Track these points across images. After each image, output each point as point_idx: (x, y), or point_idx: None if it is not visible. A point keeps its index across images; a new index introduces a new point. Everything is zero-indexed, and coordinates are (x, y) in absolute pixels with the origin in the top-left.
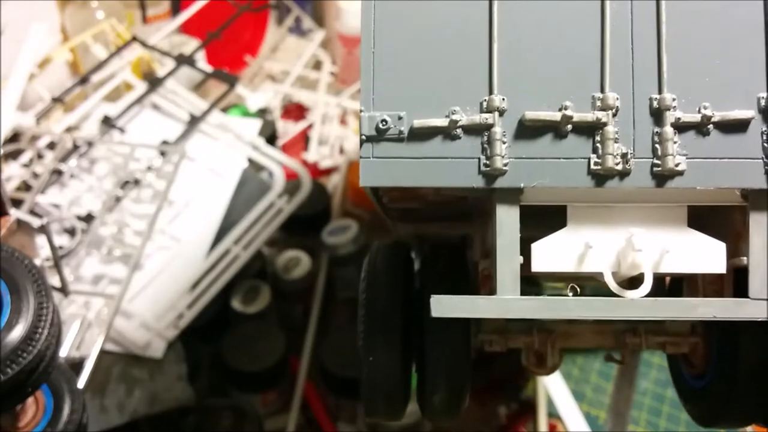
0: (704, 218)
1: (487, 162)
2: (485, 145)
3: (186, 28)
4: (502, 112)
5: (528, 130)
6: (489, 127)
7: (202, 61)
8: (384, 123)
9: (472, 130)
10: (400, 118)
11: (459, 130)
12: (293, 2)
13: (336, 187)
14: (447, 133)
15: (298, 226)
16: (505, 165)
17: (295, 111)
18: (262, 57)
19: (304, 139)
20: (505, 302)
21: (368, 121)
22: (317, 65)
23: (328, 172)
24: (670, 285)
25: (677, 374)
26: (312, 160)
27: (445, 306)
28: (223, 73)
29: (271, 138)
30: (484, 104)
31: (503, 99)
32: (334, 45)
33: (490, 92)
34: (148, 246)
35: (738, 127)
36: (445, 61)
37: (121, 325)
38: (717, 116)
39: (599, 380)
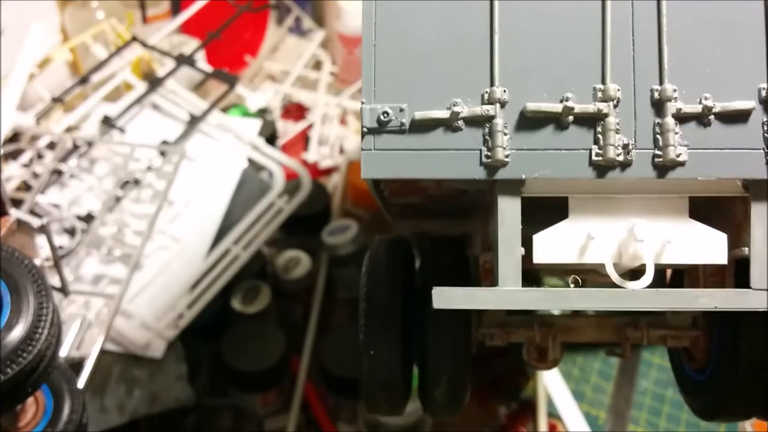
0: (705, 210)
1: (489, 153)
2: (487, 137)
3: (186, 28)
4: (503, 104)
5: (529, 122)
6: (490, 118)
7: (202, 61)
8: (385, 115)
9: (474, 121)
10: (401, 110)
11: (460, 122)
12: (293, 2)
13: (336, 187)
14: (448, 124)
15: (298, 226)
16: (507, 156)
17: (295, 111)
18: (262, 57)
19: (304, 139)
20: (507, 293)
21: (370, 114)
22: (317, 65)
23: (328, 172)
24: (671, 279)
25: (678, 368)
26: (312, 160)
27: (446, 297)
28: (223, 73)
29: (271, 138)
30: (486, 96)
31: (504, 91)
32: (334, 45)
33: (492, 84)
34: (148, 246)
35: (739, 117)
36: (446, 53)
37: (121, 325)
38: (718, 107)
39: (599, 380)
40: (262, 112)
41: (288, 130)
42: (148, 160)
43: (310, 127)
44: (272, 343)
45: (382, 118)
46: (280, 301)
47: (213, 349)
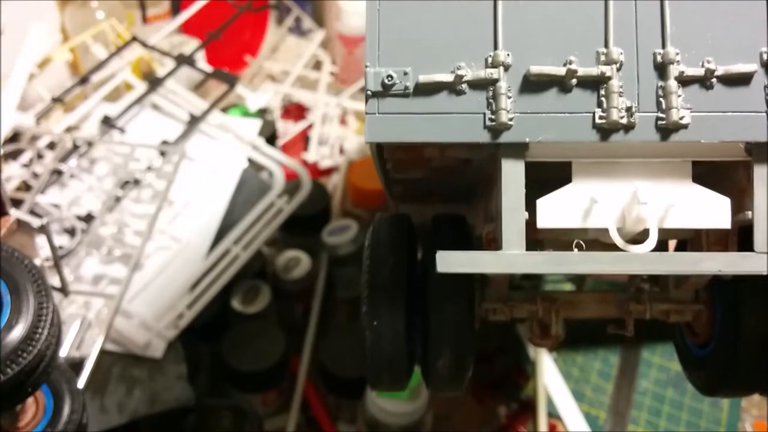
0: (708, 178)
1: (493, 117)
2: (490, 100)
3: (186, 28)
4: (507, 68)
5: (533, 85)
6: (494, 82)
7: (202, 61)
8: (389, 78)
9: (478, 85)
10: (405, 73)
11: (464, 86)
12: (293, 2)
13: (336, 187)
14: (452, 88)
15: (298, 226)
16: (510, 120)
17: (295, 111)
18: (262, 57)
19: (304, 139)
20: (510, 257)
21: (374, 77)
22: (317, 65)
23: (328, 172)
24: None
25: (681, 344)
26: (312, 160)
27: (450, 262)
28: (223, 73)
29: (271, 138)
30: (489, 59)
31: (508, 54)
32: (334, 45)
33: (495, 47)
34: (148, 246)
35: (741, 80)
36: (450, 17)
37: (121, 325)
38: (720, 70)
39: (599, 380)
40: (262, 112)
41: (288, 130)
42: (148, 160)
43: (310, 127)
44: (272, 343)
45: (386, 81)
46: (280, 301)
47: (213, 349)
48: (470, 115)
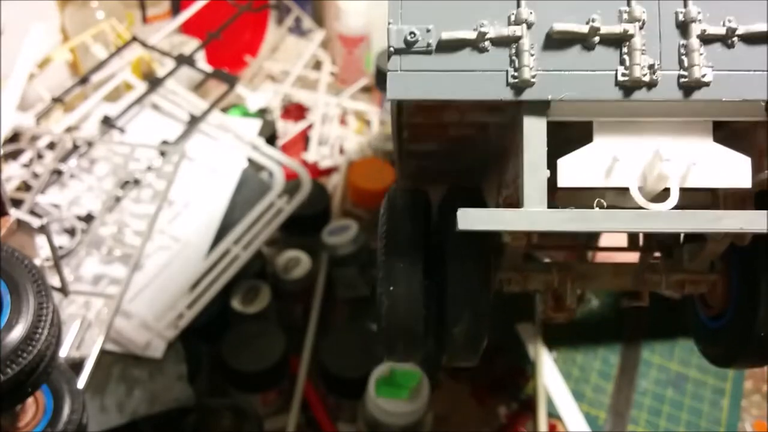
0: (728, 142)
1: (515, 74)
2: (513, 58)
3: (186, 28)
4: (530, 25)
5: (555, 43)
6: (517, 39)
7: (202, 61)
8: (412, 35)
9: (500, 42)
10: (428, 30)
11: (487, 43)
12: (293, 2)
13: (336, 187)
14: (475, 45)
15: (298, 226)
16: (533, 77)
17: (295, 111)
18: (262, 57)
19: (304, 139)
20: (533, 214)
21: (396, 34)
22: (317, 65)
23: (328, 172)
24: None
25: (694, 317)
26: (312, 160)
27: (471, 219)
28: (223, 73)
29: (271, 138)
30: (512, 17)
31: (531, 12)
32: (334, 45)
33: (518, 5)
34: (148, 246)
35: (762, 40)
36: None
37: (121, 325)
38: (741, 29)
39: (599, 380)
40: (262, 112)
41: (288, 130)
42: (148, 160)
43: (310, 127)
44: (272, 343)
45: (408, 38)
46: (280, 301)
47: (213, 349)
48: (493, 72)
